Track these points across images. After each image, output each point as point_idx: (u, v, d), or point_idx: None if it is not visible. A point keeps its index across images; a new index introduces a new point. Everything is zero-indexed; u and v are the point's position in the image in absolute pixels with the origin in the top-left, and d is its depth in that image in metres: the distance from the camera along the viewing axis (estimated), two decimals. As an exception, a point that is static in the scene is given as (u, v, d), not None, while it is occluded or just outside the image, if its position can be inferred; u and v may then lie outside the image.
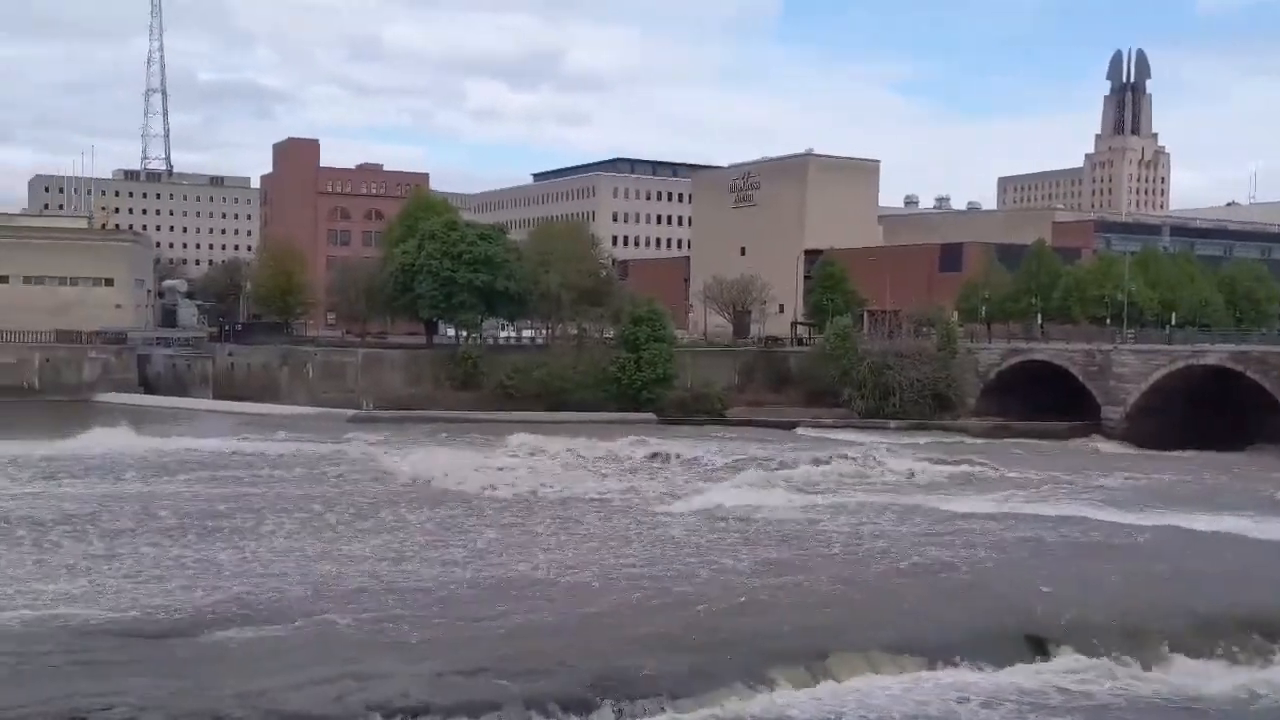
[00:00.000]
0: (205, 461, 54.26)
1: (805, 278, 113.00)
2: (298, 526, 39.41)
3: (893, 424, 79.04)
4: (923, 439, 72.23)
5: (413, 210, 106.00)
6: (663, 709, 22.52)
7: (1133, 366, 75.80)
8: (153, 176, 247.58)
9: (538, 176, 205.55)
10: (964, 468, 57.43)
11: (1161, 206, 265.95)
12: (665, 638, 26.22)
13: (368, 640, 26.02)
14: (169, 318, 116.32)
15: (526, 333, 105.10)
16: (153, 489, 46.61)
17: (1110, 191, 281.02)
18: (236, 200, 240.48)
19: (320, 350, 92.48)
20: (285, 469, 52.82)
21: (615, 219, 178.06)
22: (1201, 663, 26.49)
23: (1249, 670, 26.33)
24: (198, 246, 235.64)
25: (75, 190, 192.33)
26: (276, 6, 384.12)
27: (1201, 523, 42.55)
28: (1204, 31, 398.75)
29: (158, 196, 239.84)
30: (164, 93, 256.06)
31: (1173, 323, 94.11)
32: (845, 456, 58.64)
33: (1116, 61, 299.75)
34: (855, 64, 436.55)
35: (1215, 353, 75.08)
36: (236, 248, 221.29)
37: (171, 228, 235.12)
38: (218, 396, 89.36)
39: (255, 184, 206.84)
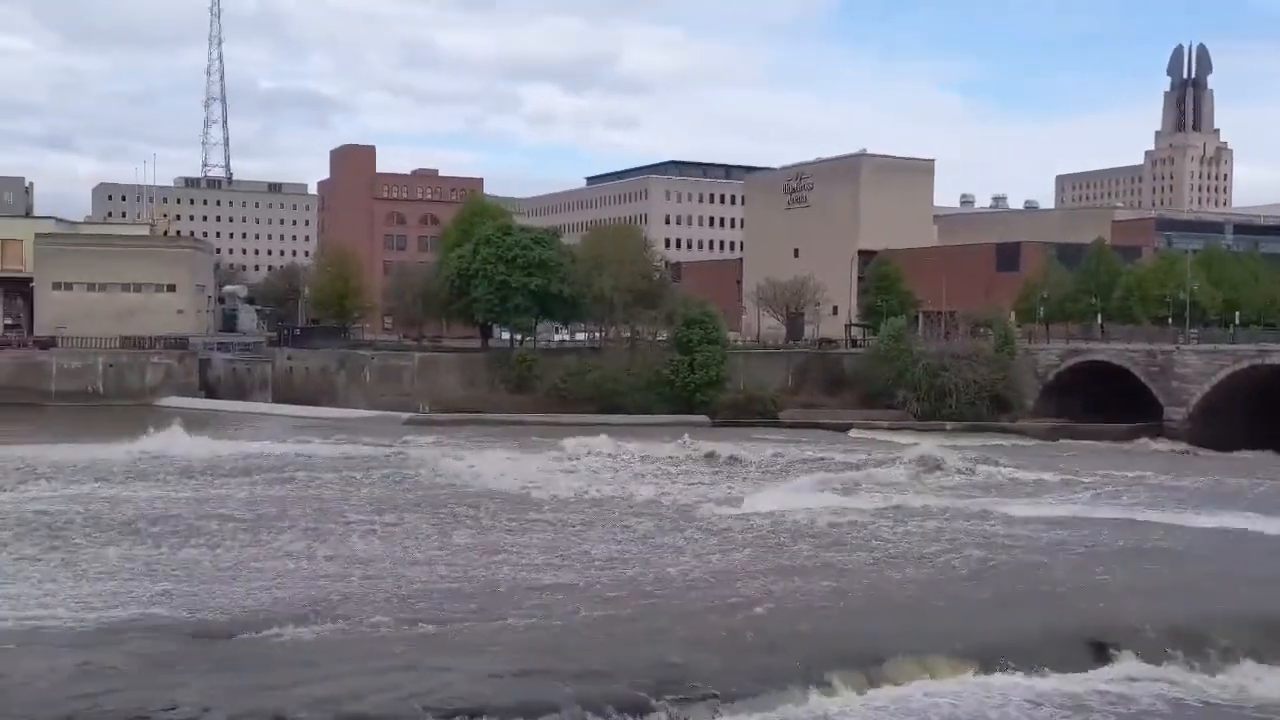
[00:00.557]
0: (265, 464, 55.05)
1: (859, 279, 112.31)
2: (355, 528, 39.84)
3: (949, 426, 78.29)
4: (980, 441, 71.48)
5: (467, 215, 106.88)
6: (718, 712, 22.51)
7: (1195, 367, 74.51)
8: (213, 183, 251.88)
9: (590, 180, 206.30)
10: (1022, 470, 56.80)
11: (1224, 204, 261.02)
12: (721, 640, 26.22)
13: (424, 641, 26.28)
14: (229, 322, 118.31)
15: (580, 336, 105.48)
16: (214, 492, 47.38)
17: (1171, 189, 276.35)
18: (295, 206, 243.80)
19: (377, 354, 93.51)
20: (343, 471, 53.44)
21: (668, 221, 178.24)
22: (1266, 668, 25.98)
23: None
24: (257, 252, 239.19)
25: (138, 198, 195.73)
26: (332, 15, 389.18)
27: (1265, 525, 41.73)
28: (1266, 25, 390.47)
29: (218, 203, 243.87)
30: (224, 101, 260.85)
31: (1237, 322, 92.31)
32: (901, 459, 58.23)
33: (1177, 57, 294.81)
34: (910, 63, 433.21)
35: (1280, 352, 73.61)
36: (295, 253, 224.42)
37: (231, 234, 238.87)
38: (277, 400, 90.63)
39: (313, 190, 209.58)
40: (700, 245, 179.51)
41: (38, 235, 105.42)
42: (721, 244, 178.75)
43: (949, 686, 24.39)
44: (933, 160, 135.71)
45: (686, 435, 65.60)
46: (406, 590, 30.92)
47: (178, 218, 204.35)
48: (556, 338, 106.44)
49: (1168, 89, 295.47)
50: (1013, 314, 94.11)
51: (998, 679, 24.84)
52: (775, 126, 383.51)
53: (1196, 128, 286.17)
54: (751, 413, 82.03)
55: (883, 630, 27.57)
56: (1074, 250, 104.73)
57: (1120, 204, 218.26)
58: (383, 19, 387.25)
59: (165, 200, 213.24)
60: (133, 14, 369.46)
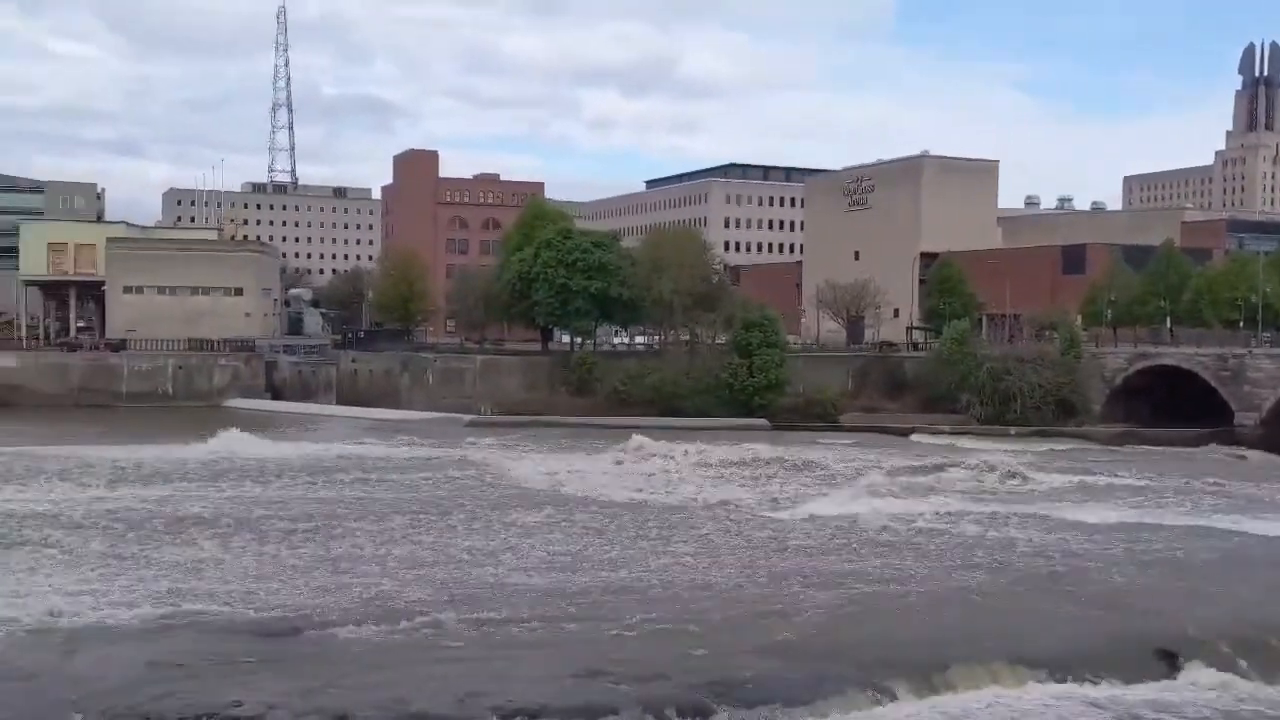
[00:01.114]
0: (329, 465, 55.82)
1: (921, 281, 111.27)
2: (417, 529, 40.28)
3: (1013, 431, 77.29)
4: (1045, 446, 70.47)
5: (528, 219, 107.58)
6: (778, 717, 22.41)
7: (1268, 371, 72.79)
8: (279, 188, 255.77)
9: (650, 184, 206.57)
10: (1089, 475, 55.92)
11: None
12: (782, 644, 26.14)
13: (486, 641, 26.49)
14: (295, 325, 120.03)
15: (639, 339, 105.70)
16: (279, 492, 48.15)
17: (1243, 190, 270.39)
18: (359, 211, 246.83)
19: (439, 357, 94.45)
20: (405, 473, 54.04)
21: (727, 225, 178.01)
22: (1343, 681, 25.35)
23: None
24: (322, 256, 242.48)
25: (206, 203, 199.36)
26: (396, 21, 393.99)
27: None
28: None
29: (284, 208, 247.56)
30: (289, 107, 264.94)
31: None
32: (964, 464, 57.59)
33: (1249, 55, 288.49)
34: (974, 63, 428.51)
35: (1358, 356, 71.68)
36: (359, 257, 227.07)
37: (297, 238, 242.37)
38: (341, 402, 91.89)
39: (376, 195, 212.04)
40: (759, 248, 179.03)
41: (109, 240, 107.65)
42: (781, 247, 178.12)
43: (1014, 694, 24.08)
44: (996, 161, 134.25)
45: (744, 440, 65.35)
46: (468, 591, 31.18)
47: (245, 222, 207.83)
48: (616, 341, 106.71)
49: (1239, 88, 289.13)
50: (1078, 317, 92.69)
51: (1064, 687, 24.48)
52: (836, 129, 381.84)
53: (1269, 127, 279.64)
54: (811, 416, 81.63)
55: (945, 636, 27.29)
56: (1142, 252, 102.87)
57: (1189, 205, 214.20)
58: (446, 24, 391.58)
59: (233, 205, 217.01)
60: (202, 23, 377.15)
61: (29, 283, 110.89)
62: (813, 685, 23.63)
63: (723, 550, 37.60)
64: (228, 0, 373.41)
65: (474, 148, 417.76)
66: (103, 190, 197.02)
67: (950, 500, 48.16)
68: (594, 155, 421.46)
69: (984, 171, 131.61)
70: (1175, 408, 75.76)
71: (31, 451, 57.80)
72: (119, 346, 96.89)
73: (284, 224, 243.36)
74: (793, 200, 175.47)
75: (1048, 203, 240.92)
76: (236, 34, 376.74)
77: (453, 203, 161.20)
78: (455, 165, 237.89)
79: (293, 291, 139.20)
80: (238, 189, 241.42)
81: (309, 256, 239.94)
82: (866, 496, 48.26)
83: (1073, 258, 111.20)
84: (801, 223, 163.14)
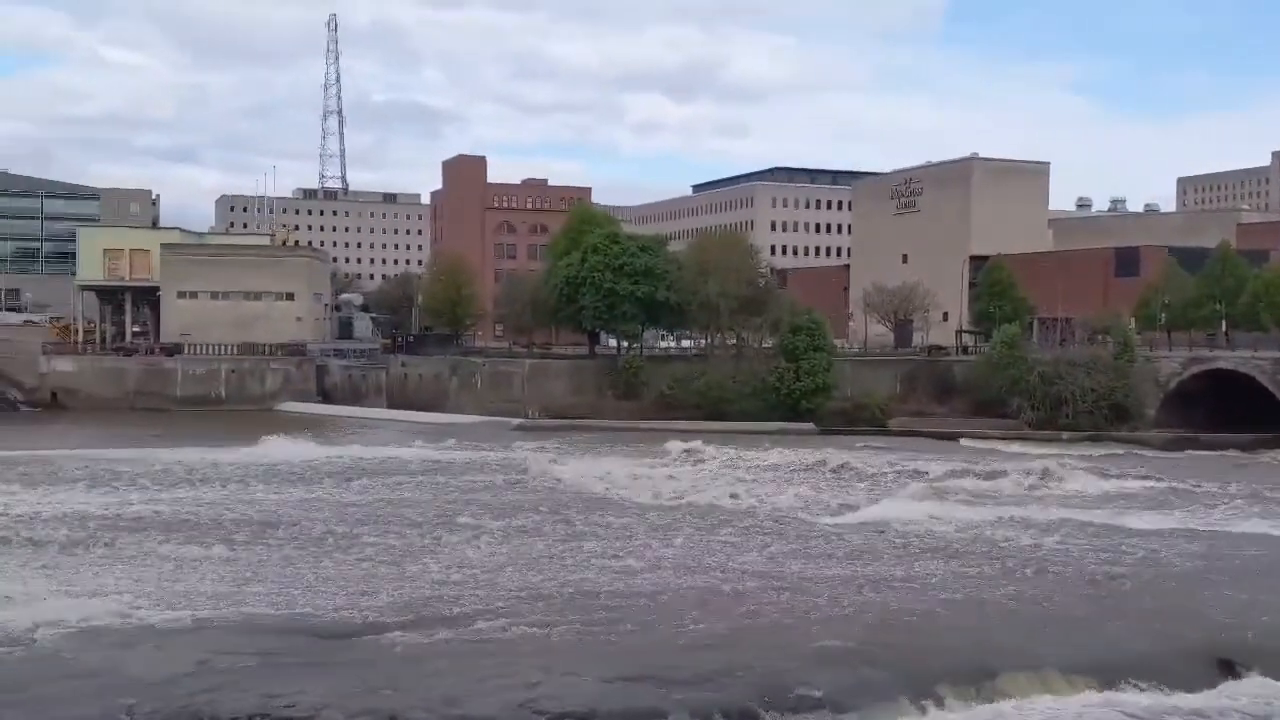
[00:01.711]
0: (380, 469, 56.36)
1: (970, 284, 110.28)
2: (465, 532, 40.54)
3: (1065, 436, 76.35)
4: (1098, 451, 69.58)
5: (575, 224, 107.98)
6: (827, 723, 22.41)
7: (1328, 375, 71.39)
8: (330, 194, 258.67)
9: (697, 188, 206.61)
10: (1143, 481, 55.11)
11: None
12: (831, 650, 26.04)
13: (534, 644, 26.62)
14: (345, 330, 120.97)
15: (686, 343, 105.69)
16: (331, 495, 48.70)
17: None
18: (408, 216, 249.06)
19: (488, 361, 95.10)
20: (454, 476, 54.44)
21: (774, 228, 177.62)
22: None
23: None
24: (372, 261, 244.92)
25: (258, 209, 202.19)
26: (444, 28, 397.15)
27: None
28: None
29: (334, 214, 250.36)
30: (340, 114, 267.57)
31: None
32: (1014, 469, 57.02)
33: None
34: (1024, 64, 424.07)
35: None
36: (408, 262, 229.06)
37: (347, 244, 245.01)
38: (391, 405, 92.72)
39: (426, 200, 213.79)
40: (806, 251, 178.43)
41: (163, 246, 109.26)
42: (828, 250, 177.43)
43: (1067, 702, 23.85)
44: (1047, 163, 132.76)
45: (792, 444, 65.11)
46: (518, 594, 31.34)
47: (296, 228, 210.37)
48: (662, 345, 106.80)
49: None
50: (1132, 320, 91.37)
51: (1119, 696, 24.19)
52: (884, 132, 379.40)
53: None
54: (859, 420, 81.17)
55: (996, 643, 27.06)
56: (1197, 255, 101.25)
57: (1245, 206, 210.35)
58: (494, 31, 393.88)
59: (284, 211, 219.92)
60: (255, 31, 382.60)
61: (85, 288, 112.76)
62: (860, 692, 23.54)
63: (770, 555, 37.49)
64: (280, 9, 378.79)
65: (522, 153, 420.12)
66: (157, 197, 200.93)
67: (1000, 506, 47.70)
68: (640, 159, 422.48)
69: (1035, 173, 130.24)
70: (1231, 412, 74.48)
71: (89, 454, 58.95)
72: (173, 351, 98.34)
73: (335, 229, 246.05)
74: (840, 203, 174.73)
75: (1100, 205, 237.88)
76: (289, 42, 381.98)
77: (501, 208, 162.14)
78: (503, 171, 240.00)
79: (343, 296, 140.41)
80: (289, 195, 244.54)
81: (359, 261, 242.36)
82: (914, 501, 47.91)
83: (1126, 260, 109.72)
84: (849, 226, 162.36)
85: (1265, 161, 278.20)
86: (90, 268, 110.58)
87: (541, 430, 77.31)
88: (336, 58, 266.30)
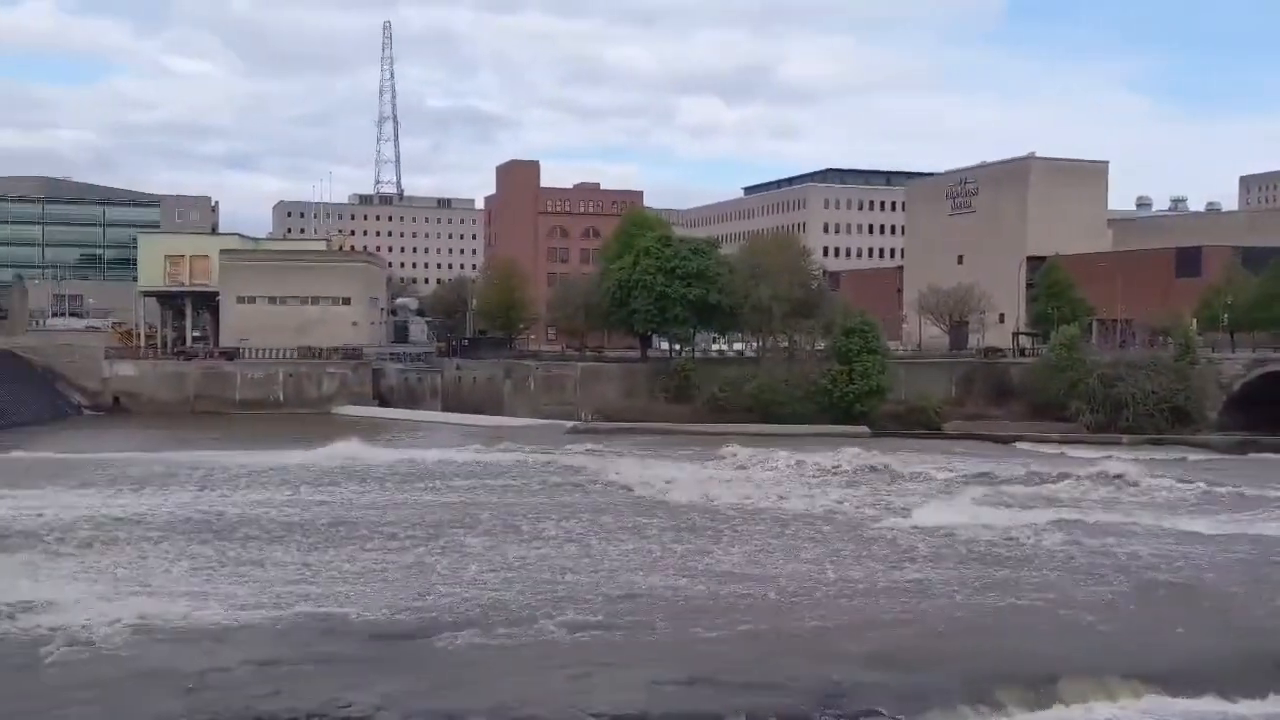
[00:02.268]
0: (436, 471, 56.79)
1: (1028, 285, 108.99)
2: (521, 534, 40.77)
3: (1125, 439, 75.19)
4: (1158, 455, 68.40)
5: (628, 227, 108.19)
6: (884, 727, 22.28)
7: (1398, 377, 69.68)
8: (385, 200, 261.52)
9: (749, 190, 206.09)
10: (1206, 485, 54.09)
11: None
12: (886, 654, 25.89)
13: (590, 646, 26.75)
14: (401, 334, 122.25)
15: (738, 345, 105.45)
16: (388, 497, 49.17)
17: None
18: (462, 221, 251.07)
19: (541, 364, 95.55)
20: (511, 479, 54.75)
21: (826, 230, 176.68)
22: None
23: None
24: (426, 265, 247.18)
25: (315, 214, 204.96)
26: (498, 34, 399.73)
27: None
28: None
29: (390, 219, 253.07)
30: (395, 120, 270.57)
31: None
32: (1073, 472, 56.26)
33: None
34: (1084, 63, 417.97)
35: None
36: (463, 266, 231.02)
37: (403, 248, 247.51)
38: (446, 408, 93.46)
39: (479, 205, 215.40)
40: (859, 253, 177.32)
41: (222, 251, 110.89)
42: (881, 251, 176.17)
43: (1128, 708, 23.53)
44: (1106, 162, 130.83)
45: (845, 447, 64.78)
46: (574, 596, 31.45)
47: (352, 233, 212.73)
48: (714, 348, 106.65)
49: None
50: (1193, 321, 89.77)
51: (1181, 703, 23.83)
52: (939, 131, 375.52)
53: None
54: (913, 424, 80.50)
55: (1055, 648, 26.75)
56: (1261, 254, 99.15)
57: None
58: (548, 36, 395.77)
59: (341, 216, 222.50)
60: (312, 39, 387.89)
61: (147, 293, 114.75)
62: (918, 696, 23.37)
63: (825, 559, 37.32)
64: (337, 17, 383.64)
65: (575, 157, 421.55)
66: (216, 203, 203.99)
67: (1058, 510, 47.09)
68: (693, 163, 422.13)
69: (1093, 173, 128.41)
70: (1298, 415, 72.97)
71: (152, 457, 60.03)
72: (232, 355, 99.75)
73: (390, 234, 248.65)
74: (893, 204, 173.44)
75: (1160, 204, 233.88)
76: (345, 50, 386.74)
77: (554, 212, 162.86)
78: (556, 175, 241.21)
79: (399, 300, 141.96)
80: (345, 201, 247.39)
81: (414, 266, 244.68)
82: (971, 505, 47.46)
83: (1187, 260, 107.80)
84: (902, 227, 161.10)
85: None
86: (151, 273, 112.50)
87: (595, 433, 77.55)
88: (391, 64, 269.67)
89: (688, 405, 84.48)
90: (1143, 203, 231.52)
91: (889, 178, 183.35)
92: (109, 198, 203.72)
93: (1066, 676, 24.60)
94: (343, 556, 36.77)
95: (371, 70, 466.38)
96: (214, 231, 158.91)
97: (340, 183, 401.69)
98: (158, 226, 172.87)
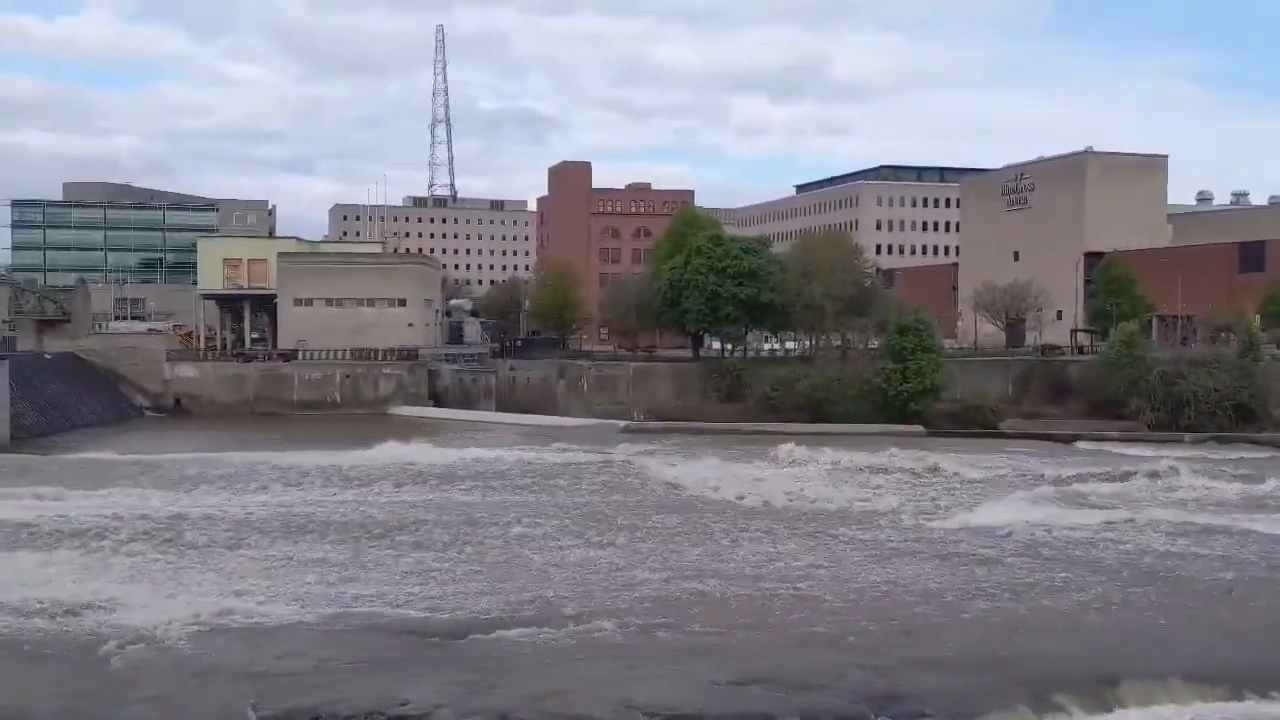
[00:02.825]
0: (491, 471, 57.08)
1: (1086, 282, 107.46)
2: (574, 533, 40.91)
3: (1187, 438, 73.83)
4: (1222, 454, 67.09)
5: (679, 226, 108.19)
6: (940, 729, 22.07)
7: None
8: (439, 202, 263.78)
9: (800, 188, 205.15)
10: (1270, 485, 52.96)
11: None
12: (942, 656, 25.66)
13: (643, 645, 26.78)
14: (455, 335, 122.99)
15: (790, 344, 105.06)
16: (444, 497, 49.53)
17: None
18: (515, 222, 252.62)
19: (594, 364, 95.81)
20: (564, 478, 54.94)
21: (879, 227, 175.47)
22: None
23: None
24: (480, 267, 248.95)
25: (370, 217, 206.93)
26: (550, 35, 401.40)
27: None
28: None
29: (443, 221, 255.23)
30: (448, 123, 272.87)
31: None
32: (1134, 472, 55.37)
33: None
34: (1142, 56, 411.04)
35: None
36: (515, 267, 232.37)
37: (457, 250, 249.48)
38: (500, 408, 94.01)
39: (532, 206, 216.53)
40: (913, 250, 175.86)
41: (280, 254, 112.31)
42: (935, 249, 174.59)
43: (1193, 711, 23.12)
44: (1165, 156, 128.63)
45: (899, 447, 64.28)
46: (627, 596, 31.54)
47: (407, 235, 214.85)
48: (766, 347, 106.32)
49: None
50: (1257, 317, 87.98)
51: (1247, 705, 23.38)
52: (993, 128, 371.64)
53: None
54: (969, 422, 79.64)
55: (1117, 650, 26.35)
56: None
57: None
58: (599, 37, 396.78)
59: (395, 219, 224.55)
60: (366, 43, 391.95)
61: (206, 296, 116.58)
62: (976, 699, 23.13)
63: (880, 559, 37.06)
64: (390, 21, 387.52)
65: (626, 158, 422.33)
66: (273, 207, 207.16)
67: (1119, 509, 46.36)
68: (744, 162, 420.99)
69: (1152, 167, 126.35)
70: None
71: (213, 458, 60.95)
72: (290, 357, 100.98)
73: (444, 236, 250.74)
74: (947, 201, 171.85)
75: (1221, 198, 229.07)
76: (398, 53, 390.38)
77: (605, 213, 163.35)
78: (608, 175, 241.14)
79: (453, 302, 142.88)
80: (400, 203, 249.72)
81: (468, 267, 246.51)
82: (1030, 505, 46.86)
83: (1251, 255, 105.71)
84: (957, 224, 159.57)
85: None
86: (210, 277, 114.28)
87: (647, 433, 77.60)
88: (444, 67, 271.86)
89: (740, 405, 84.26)
90: (1203, 197, 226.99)
91: (943, 174, 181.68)
92: (168, 202, 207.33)
93: (1127, 679, 24.22)
94: (398, 555, 37.11)
95: (424, 73, 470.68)
96: (271, 235, 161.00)
97: (394, 185, 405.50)
98: (216, 230, 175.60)
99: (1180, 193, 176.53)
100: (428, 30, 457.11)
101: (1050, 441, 73.41)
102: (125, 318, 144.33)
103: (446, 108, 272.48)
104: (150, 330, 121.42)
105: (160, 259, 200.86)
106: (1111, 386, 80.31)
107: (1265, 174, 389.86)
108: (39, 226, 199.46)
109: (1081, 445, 72.29)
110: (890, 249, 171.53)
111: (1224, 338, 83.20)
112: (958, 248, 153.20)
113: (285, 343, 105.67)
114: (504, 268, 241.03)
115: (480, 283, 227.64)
